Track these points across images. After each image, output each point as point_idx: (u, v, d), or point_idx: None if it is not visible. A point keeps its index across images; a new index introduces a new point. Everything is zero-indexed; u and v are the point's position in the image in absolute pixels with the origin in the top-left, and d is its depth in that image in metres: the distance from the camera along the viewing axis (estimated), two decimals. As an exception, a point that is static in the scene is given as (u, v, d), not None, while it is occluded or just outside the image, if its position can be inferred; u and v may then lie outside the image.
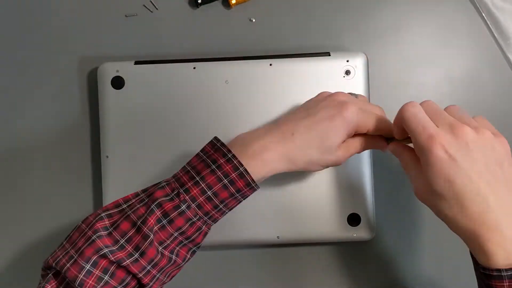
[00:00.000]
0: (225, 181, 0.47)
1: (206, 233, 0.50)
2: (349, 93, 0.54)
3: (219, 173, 0.47)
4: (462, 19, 0.62)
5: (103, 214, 0.48)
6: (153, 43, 0.62)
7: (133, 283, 0.47)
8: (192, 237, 0.49)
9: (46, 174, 0.62)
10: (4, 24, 0.63)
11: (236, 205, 0.50)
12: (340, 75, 0.58)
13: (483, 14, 0.62)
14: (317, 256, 0.61)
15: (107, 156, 0.59)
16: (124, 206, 0.48)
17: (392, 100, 0.62)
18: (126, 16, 0.62)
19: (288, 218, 0.58)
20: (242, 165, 0.47)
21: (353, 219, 0.58)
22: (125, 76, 0.59)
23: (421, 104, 0.47)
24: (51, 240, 0.62)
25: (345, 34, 0.62)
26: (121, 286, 0.46)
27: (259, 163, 0.48)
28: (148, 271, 0.47)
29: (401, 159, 0.49)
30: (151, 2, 0.62)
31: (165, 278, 0.49)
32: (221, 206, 0.48)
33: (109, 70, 0.59)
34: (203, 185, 0.47)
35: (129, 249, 0.46)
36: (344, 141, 0.50)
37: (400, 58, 0.62)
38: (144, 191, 0.50)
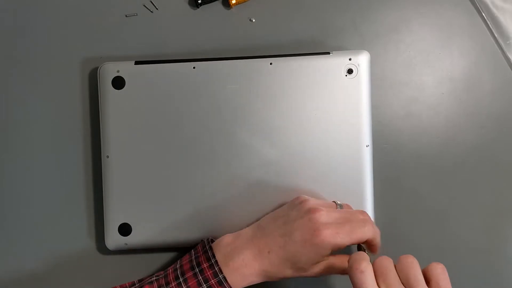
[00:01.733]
0: (204, 286, 0.50)
1: None
2: (334, 202, 0.55)
3: (200, 277, 0.51)
4: (462, 19, 0.62)
5: None
6: (153, 43, 0.62)
7: None
8: None
9: (46, 174, 0.62)
10: (4, 24, 0.63)
11: None
12: (342, 74, 0.58)
13: (483, 14, 0.62)
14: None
15: (108, 156, 0.59)
16: None
17: (392, 100, 0.62)
18: (126, 16, 0.62)
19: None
20: (221, 273, 0.50)
21: (354, 219, 0.58)
22: (125, 76, 0.59)
23: (373, 263, 0.47)
24: (50, 240, 0.62)
25: (345, 34, 0.62)
26: None
27: (239, 277, 0.51)
28: None
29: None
30: (151, 2, 0.62)
31: None
32: None
33: (110, 70, 0.59)
34: (184, 287, 0.51)
35: None
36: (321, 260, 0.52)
37: (400, 58, 0.62)
38: (140, 280, 0.54)
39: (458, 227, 0.62)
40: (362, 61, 0.58)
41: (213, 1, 0.62)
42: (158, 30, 0.62)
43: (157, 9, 0.62)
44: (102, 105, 0.59)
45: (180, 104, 0.58)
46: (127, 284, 0.54)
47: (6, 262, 0.62)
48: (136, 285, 0.53)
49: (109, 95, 0.59)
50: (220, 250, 0.52)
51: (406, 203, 0.62)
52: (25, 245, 0.62)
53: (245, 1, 0.61)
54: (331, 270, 0.53)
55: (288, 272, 0.51)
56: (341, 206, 0.55)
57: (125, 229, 0.59)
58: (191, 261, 0.52)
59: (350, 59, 0.58)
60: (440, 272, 0.46)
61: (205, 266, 0.51)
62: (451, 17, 0.62)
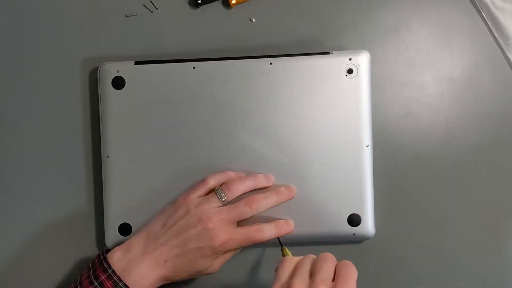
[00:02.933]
0: None
1: None
2: (213, 189, 0.56)
3: None
4: (462, 19, 0.62)
5: None
6: (153, 43, 0.62)
7: None
8: None
9: (47, 174, 0.62)
10: (4, 25, 0.63)
11: None
12: (341, 74, 0.58)
13: (483, 14, 0.62)
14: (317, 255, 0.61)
15: (108, 156, 0.59)
16: None
17: (392, 100, 0.62)
18: (126, 16, 0.62)
19: (288, 218, 0.58)
20: (121, 280, 0.51)
21: (353, 219, 0.58)
22: (125, 76, 0.59)
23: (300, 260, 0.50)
24: (50, 240, 0.62)
25: (345, 33, 0.62)
26: None
27: (138, 286, 0.52)
28: None
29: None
30: (151, 2, 0.62)
31: None
32: None
33: (110, 71, 0.59)
34: None
35: None
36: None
37: (400, 58, 0.62)
38: None
39: (458, 227, 0.62)
40: (362, 61, 0.58)
41: (213, 1, 0.62)
42: (158, 30, 0.62)
43: (157, 9, 0.62)
44: (102, 105, 0.59)
45: (180, 104, 0.58)
46: None
47: (6, 267, 0.62)
48: None
49: (109, 95, 0.59)
50: (114, 264, 0.53)
51: (406, 203, 0.62)
52: (26, 246, 0.62)
53: (245, 1, 0.61)
54: (228, 257, 0.57)
55: (185, 276, 0.54)
56: (220, 194, 0.55)
57: (125, 229, 0.59)
58: (89, 275, 0.53)
59: (350, 59, 0.58)
60: (343, 268, 0.48)
61: (103, 278, 0.52)
62: (451, 17, 0.62)
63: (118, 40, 0.62)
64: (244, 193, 0.56)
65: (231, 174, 0.57)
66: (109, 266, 0.52)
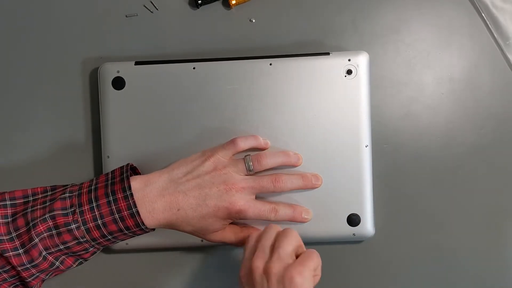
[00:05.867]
0: (117, 216, 0.51)
1: (94, 253, 0.53)
2: (244, 158, 0.55)
3: (114, 206, 0.51)
4: (462, 19, 0.62)
5: (8, 202, 0.52)
6: (153, 43, 0.62)
7: (13, 272, 0.50)
8: (79, 253, 0.52)
9: (47, 174, 0.62)
10: (4, 25, 0.63)
11: (127, 238, 0.53)
12: (341, 74, 0.58)
13: (483, 14, 0.62)
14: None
15: (108, 156, 0.59)
16: (30, 199, 0.52)
17: (391, 100, 0.62)
18: (126, 16, 0.63)
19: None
20: (136, 207, 0.51)
21: (353, 219, 0.58)
22: (125, 76, 0.59)
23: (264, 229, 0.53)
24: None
25: (344, 34, 0.62)
26: (1, 270, 0.50)
27: (149, 217, 0.51)
28: (27, 269, 0.51)
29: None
30: (151, 2, 0.62)
31: (46, 276, 0.53)
32: (109, 237, 0.52)
33: (110, 71, 0.59)
34: (96, 213, 0.51)
35: (16, 243, 0.50)
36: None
37: (399, 58, 0.62)
38: (53, 189, 0.53)
39: (458, 227, 0.62)
40: (361, 62, 0.58)
41: (213, 1, 0.62)
42: (158, 30, 0.62)
43: (157, 9, 0.62)
44: (102, 105, 0.59)
45: (180, 105, 0.58)
46: (38, 190, 0.54)
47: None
48: (48, 194, 0.53)
49: (109, 95, 0.59)
50: (139, 186, 0.52)
51: (405, 203, 0.62)
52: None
53: (245, 1, 0.62)
54: (227, 240, 0.56)
55: (189, 229, 0.54)
56: (249, 162, 0.55)
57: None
58: (106, 186, 0.52)
59: (349, 60, 0.58)
60: (308, 254, 0.50)
61: (119, 196, 0.51)
62: (451, 17, 0.62)
63: (118, 40, 0.62)
64: (272, 168, 0.56)
65: (260, 139, 0.57)
66: (129, 188, 0.51)
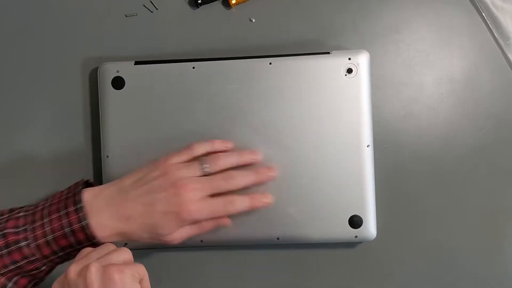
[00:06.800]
0: (67, 230, 0.49)
1: (50, 271, 0.51)
2: (197, 159, 0.54)
3: (64, 220, 0.49)
4: (462, 19, 0.62)
5: None
6: (153, 43, 0.62)
7: None
8: (32, 273, 0.50)
9: (47, 173, 0.62)
10: (4, 25, 0.63)
11: None
12: (341, 73, 0.58)
13: (483, 14, 0.62)
14: (318, 257, 0.61)
15: (108, 156, 0.59)
16: None
17: (391, 100, 0.62)
18: (126, 16, 0.63)
19: (288, 220, 0.58)
20: (85, 219, 0.49)
21: (355, 221, 0.58)
22: (125, 76, 0.59)
23: None
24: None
25: (344, 34, 0.62)
26: None
27: (99, 229, 0.50)
28: None
29: None
30: (151, 2, 0.62)
31: None
32: (60, 253, 0.50)
33: (110, 71, 0.59)
34: (47, 229, 0.49)
35: None
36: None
37: (400, 58, 0.62)
38: (10, 211, 0.52)
39: (458, 227, 0.62)
40: (361, 60, 0.58)
41: (213, 1, 0.62)
42: (158, 30, 0.62)
43: (157, 9, 0.62)
44: (102, 105, 0.59)
45: (180, 104, 0.58)
46: (4, 211, 0.52)
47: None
48: (4, 217, 0.51)
49: (109, 95, 0.59)
50: (92, 200, 0.51)
51: (406, 203, 0.62)
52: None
53: (245, 1, 0.62)
54: (187, 236, 0.54)
55: (145, 237, 0.52)
56: (203, 164, 0.53)
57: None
58: (61, 201, 0.51)
59: (349, 59, 0.58)
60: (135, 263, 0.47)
61: (71, 209, 0.50)
62: (451, 17, 0.62)
63: (118, 40, 0.62)
64: (228, 168, 0.55)
65: (217, 143, 0.56)
66: (80, 201, 0.50)
